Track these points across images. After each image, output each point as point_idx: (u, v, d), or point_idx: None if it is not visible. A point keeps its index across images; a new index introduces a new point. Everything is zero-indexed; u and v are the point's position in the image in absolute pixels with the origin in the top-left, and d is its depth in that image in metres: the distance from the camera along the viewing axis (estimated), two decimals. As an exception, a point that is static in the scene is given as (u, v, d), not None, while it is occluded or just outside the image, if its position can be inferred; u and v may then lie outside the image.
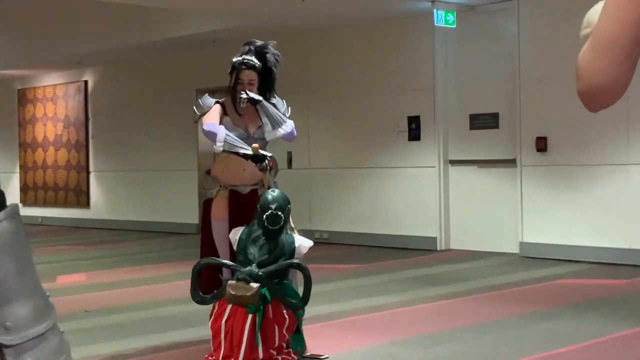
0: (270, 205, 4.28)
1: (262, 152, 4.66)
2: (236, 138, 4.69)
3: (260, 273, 4.09)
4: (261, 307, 4.10)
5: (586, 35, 2.04)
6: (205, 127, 4.73)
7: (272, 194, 4.35)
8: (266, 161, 4.68)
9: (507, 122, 9.52)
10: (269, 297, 4.09)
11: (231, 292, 4.12)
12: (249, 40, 4.98)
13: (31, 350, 1.36)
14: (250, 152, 4.62)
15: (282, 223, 4.27)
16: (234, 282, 4.14)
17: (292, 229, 4.42)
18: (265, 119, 4.87)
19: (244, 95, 4.77)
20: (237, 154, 4.65)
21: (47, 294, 1.45)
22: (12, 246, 1.37)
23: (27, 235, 1.43)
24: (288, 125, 4.94)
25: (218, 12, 10.53)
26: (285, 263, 4.15)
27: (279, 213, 4.25)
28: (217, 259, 4.56)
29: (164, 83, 13.42)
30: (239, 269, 4.19)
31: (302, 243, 4.31)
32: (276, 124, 4.87)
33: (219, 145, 4.64)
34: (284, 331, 4.20)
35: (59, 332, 1.44)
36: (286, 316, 4.18)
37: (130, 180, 14.16)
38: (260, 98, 4.83)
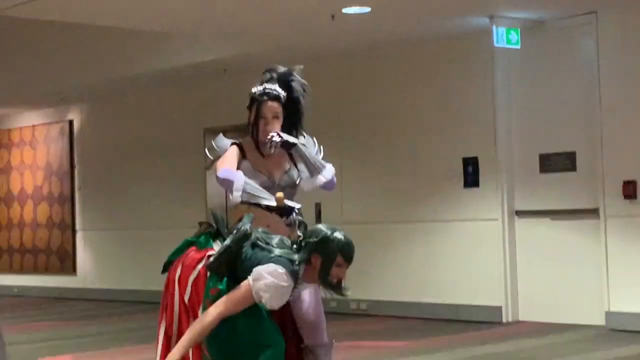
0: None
1: (288, 203, 4.63)
2: (257, 187, 4.68)
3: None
4: None
5: None
6: (220, 175, 4.72)
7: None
8: (294, 214, 4.66)
9: (586, 163, 9.46)
10: None
11: None
12: (269, 66, 4.99)
13: None
14: (274, 203, 4.60)
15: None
16: None
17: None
18: (302, 166, 4.88)
19: (276, 138, 4.76)
20: (259, 205, 4.62)
21: None
22: None
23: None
24: (328, 171, 4.95)
25: (229, 36, 10.61)
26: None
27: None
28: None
29: (166, 122, 13.53)
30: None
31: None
32: (315, 170, 4.88)
33: (236, 196, 4.63)
34: None
35: None
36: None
37: (125, 241, 14.20)
38: (296, 140, 4.83)
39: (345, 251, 4.07)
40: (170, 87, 13.22)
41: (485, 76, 10.09)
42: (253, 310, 4.03)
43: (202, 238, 4.36)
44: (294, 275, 3.99)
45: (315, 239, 4.10)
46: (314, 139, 5.11)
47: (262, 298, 3.96)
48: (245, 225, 4.20)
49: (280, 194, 4.64)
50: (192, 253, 4.35)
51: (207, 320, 4.07)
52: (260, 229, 4.26)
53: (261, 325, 4.05)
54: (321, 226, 4.21)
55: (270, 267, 3.98)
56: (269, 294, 3.96)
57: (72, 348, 9.13)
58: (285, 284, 3.96)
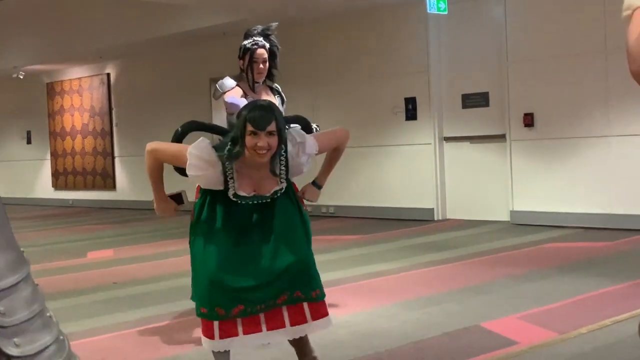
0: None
1: None
2: None
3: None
4: None
5: (627, 17, 2.03)
6: (228, 100, 4.72)
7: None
8: None
9: (496, 100, 9.48)
10: None
11: None
12: (251, 27, 4.92)
13: (3, 299, 1.36)
14: None
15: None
16: None
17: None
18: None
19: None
20: None
21: (22, 249, 1.45)
22: None
23: (1, 198, 1.41)
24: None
25: (227, 7, 10.47)
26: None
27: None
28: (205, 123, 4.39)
29: (180, 73, 13.39)
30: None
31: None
32: None
33: None
34: None
35: (32, 283, 1.44)
36: None
37: (151, 164, 14.14)
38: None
39: (250, 117, 3.13)
40: (183, 47, 13.06)
41: (421, 35, 10.03)
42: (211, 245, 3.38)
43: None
44: (220, 150, 3.26)
45: None
46: (280, 90, 5.06)
47: (187, 161, 3.36)
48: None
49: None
50: None
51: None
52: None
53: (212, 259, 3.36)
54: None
55: (201, 140, 3.35)
56: (189, 161, 3.37)
57: (113, 244, 9.17)
58: (199, 153, 3.29)
